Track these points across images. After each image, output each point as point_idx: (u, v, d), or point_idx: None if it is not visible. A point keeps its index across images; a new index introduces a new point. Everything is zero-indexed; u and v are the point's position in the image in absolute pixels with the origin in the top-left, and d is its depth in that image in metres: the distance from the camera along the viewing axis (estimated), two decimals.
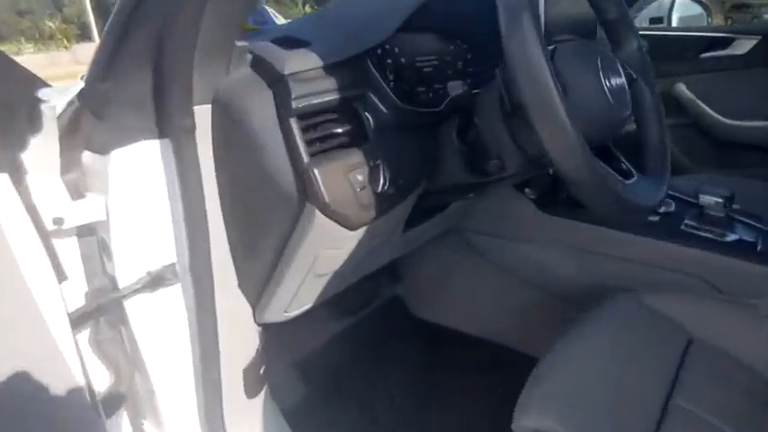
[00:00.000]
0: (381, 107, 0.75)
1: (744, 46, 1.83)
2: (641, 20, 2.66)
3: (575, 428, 0.69)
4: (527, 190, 1.18)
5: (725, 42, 1.87)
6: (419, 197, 0.86)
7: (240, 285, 0.76)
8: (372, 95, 0.74)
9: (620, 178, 0.70)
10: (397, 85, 0.77)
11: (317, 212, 0.65)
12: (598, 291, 1.03)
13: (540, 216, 1.16)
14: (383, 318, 1.39)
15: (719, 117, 1.83)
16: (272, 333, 1.11)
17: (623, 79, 0.73)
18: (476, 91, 0.87)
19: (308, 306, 0.84)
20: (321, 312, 1.28)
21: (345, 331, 1.31)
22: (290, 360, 1.21)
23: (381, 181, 0.70)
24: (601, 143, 0.73)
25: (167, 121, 0.66)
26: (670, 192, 1.17)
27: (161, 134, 0.67)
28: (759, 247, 1.00)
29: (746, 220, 1.08)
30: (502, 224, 1.22)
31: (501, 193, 1.18)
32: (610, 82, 0.70)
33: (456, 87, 0.74)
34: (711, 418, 0.77)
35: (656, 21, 2.43)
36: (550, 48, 0.71)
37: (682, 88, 1.91)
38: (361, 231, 0.72)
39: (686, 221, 1.08)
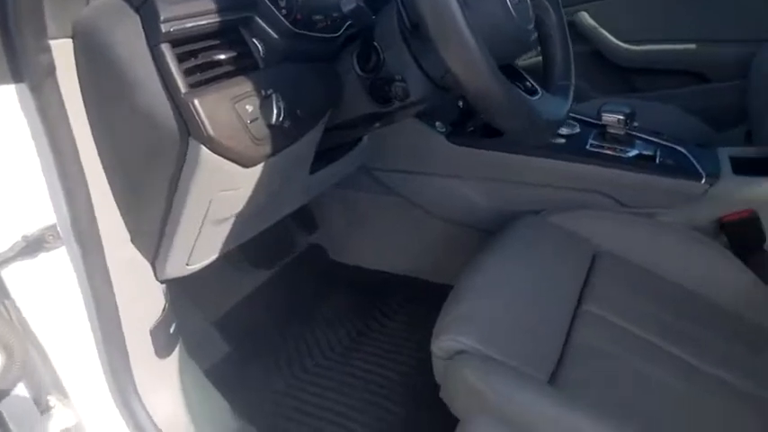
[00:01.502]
0: (272, 33, 0.69)
1: None
2: None
3: (490, 343, 0.71)
4: (437, 123, 1.16)
5: None
6: (324, 134, 0.82)
7: (133, 241, 0.70)
8: (260, 20, 0.68)
9: (527, 95, 0.69)
10: (291, 11, 0.71)
11: (203, 148, 0.60)
12: (510, 216, 1.05)
13: (451, 148, 1.15)
14: (303, 268, 1.37)
15: (620, 43, 1.89)
16: (185, 292, 1.06)
17: None
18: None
19: (213, 257, 0.79)
20: (238, 268, 1.25)
21: (265, 285, 1.28)
22: (210, 319, 1.17)
23: (275, 112, 0.64)
24: (505, 60, 0.71)
25: (20, 62, 0.57)
26: (575, 115, 1.20)
27: (15, 77, 0.58)
28: (658, 160, 1.05)
29: (646, 136, 1.12)
30: (413, 159, 1.20)
31: (410, 128, 1.16)
32: None
33: (349, 2, 0.69)
34: (619, 320, 0.82)
35: None
36: None
37: (584, 16, 1.94)
38: (258, 169, 0.67)
39: (590, 141, 1.11)
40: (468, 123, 1.21)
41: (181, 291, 0.99)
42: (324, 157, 0.91)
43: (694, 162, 1.03)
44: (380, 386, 1.08)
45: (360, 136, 1.02)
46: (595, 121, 1.14)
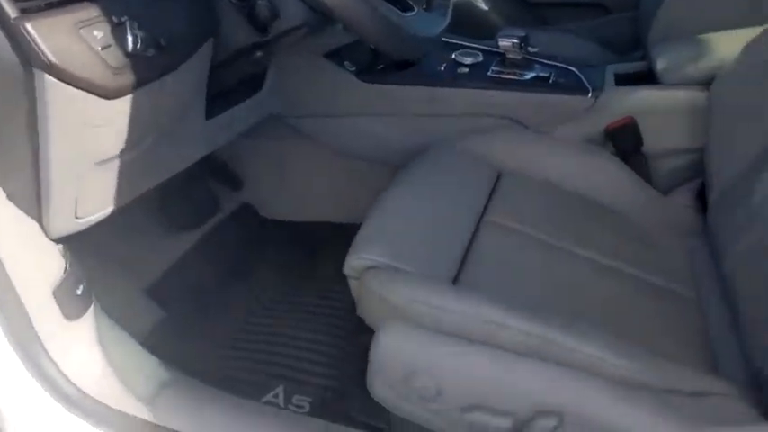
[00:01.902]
0: None
1: None
2: None
3: (395, 255, 0.74)
4: (346, 63, 1.19)
5: None
6: (212, 73, 0.81)
7: (10, 197, 0.64)
8: None
9: (400, 12, 0.72)
10: None
11: (48, 77, 0.56)
12: (423, 148, 1.10)
13: (362, 86, 1.17)
14: (233, 228, 1.36)
15: None
16: (112, 259, 1.04)
17: None
18: None
19: (107, 208, 0.75)
20: (166, 233, 1.24)
21: (196, 248, 1.26)
22: (141, 287, 1.13)
23: (130, 39, 0.61)
24: None
25: None
26: (478, 45, 1.25)
27: None
28: (551, 80, 1.12)
29: (542, 60, 1.19)
30: (325, 102, 1.22)
31: (319, 69, 1.17)
32: None
33: None
34: (521, 227, 0.87)
35: None
36: None
37: None
38: (126, 102, 0.64)
39: (492, 68, 1.17)
40: (379, 61, 1.25)
41: (107, 258, 0.99)
42: (221, 101, 0.89)
43: (583, 79, 1.11)
44: (325, 325, 1.11)
45: (249, 72, 0.99)
46: (496, 50, 1.19)
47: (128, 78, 0.63)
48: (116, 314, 0.85)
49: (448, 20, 0.83)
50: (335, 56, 1.19)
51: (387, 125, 1.21)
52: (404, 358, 0.65)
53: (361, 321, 0.77)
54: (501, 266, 0.80)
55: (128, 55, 0.62)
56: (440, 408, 0.64)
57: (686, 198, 1.01)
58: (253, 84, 1.06)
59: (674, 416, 0.56)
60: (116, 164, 0.71)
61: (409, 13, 0.77)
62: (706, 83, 0.97)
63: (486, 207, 0.91)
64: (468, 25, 2.06)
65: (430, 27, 0.77)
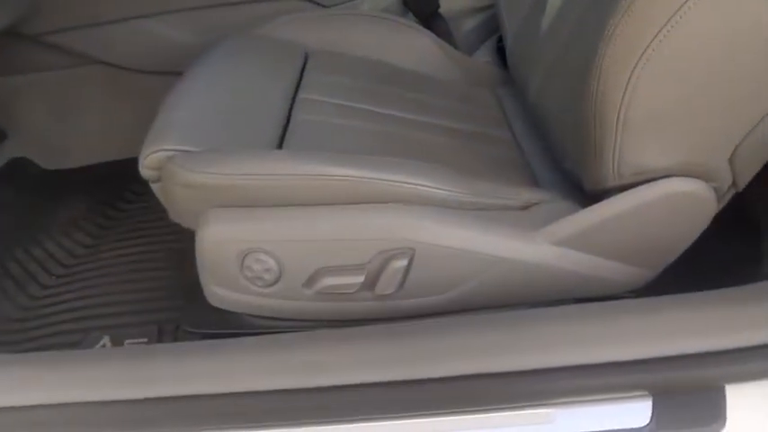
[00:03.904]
0: None
1: None
2: None
3: (200, 139, 0.64)
4: None
5: None
6: None
7: None
8: None
9: None
10: None
11: None
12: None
13: None
14: (9, 185, 1.12)
15: None
16: None
17: None
18: None
19: None
20: None
21: None
22: None
23: None
24: None
25: None
26: None
27: None
28: None
29: None
30: (81, 7, 1.02)
31: None
32: None
33: None
34: (336, 100, 0.81)
35: None
36: None
37: None
38: None
39: None
40: None
41: None
42: None
43: None
44: (140, 261, 0.97)
45: None
46: None
47: None
48: None
49: None
50: None
51: (172, 24, 1.05)
52: (235, 242, 0.57)
53: (184, 239, 0.65)
54: (321, 134, 0.73)
55: None
56: (285, 287, 0.58)
57: (487, 54, 1.04)
58: None
59: (507, 228, 0.58)
60: None
61: None
62: None
63: (297, 87, 0.84)
64: None
65: None
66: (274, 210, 0.57)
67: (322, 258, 0.56)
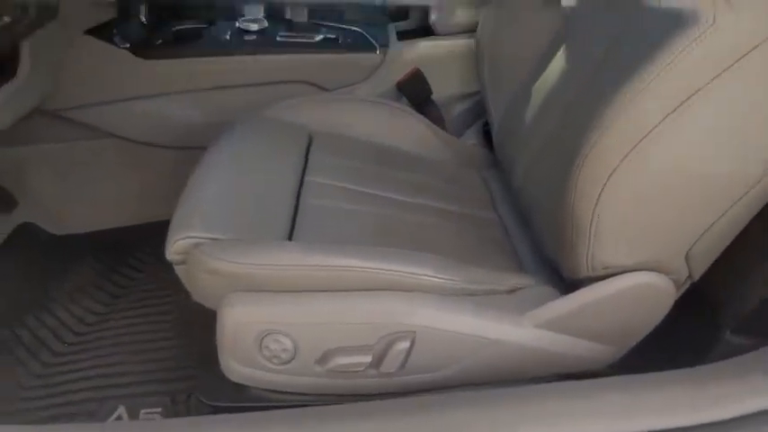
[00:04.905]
0: None
1: None
2: None
3: (220, 227, 0.71)
4: (116, 39, 1.06)
5: None
6: None
7: None
8: None
9: None
10: None
11: None
12: (223, 122, 1.05)
13: (142, 64, 1.07)
14: (16, 253, 1.15)
15: None
16: None
17: None
18: None
19: None
20: None
21: None
22: None
23: None
24: None
25: None
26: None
27: None
28: (340, 41, 1.16)
29: (328, 23, 1.21)
30: (103, 86, 1.09)
31: (86, 50, 1.03)
32: None
33: None
34: (340, 182, 0.89)
35: None
36: None
37: None
38: None
39: (280, 33, 1.15)
40: (157, 35, 1.14)
41: None
42: None
43: (369, 38, 1.16)
44: (150, 332, 1.01)
45: None
46: (279, 16, 1.18)
47: None
48: None
49: None
50: (100, 32, 1.05)
51: (181, 104, 1.13)
52: (254, 323, 0.63)
53: (193, 311, 0.71)
54: (328, 219, 0.80)
55: None
56: (299, 365, 0.64)
57: (474, 137, 1.14)
58: (2, 71, 0.88)
59: (495, 312, 0.65)
60: None
61: None
62: (473, 30, 1.09)
63: (304, 169, 0.92)
64: None
65: None
66: (290, 295, 0.63)
67: (333, 340, 0.63)
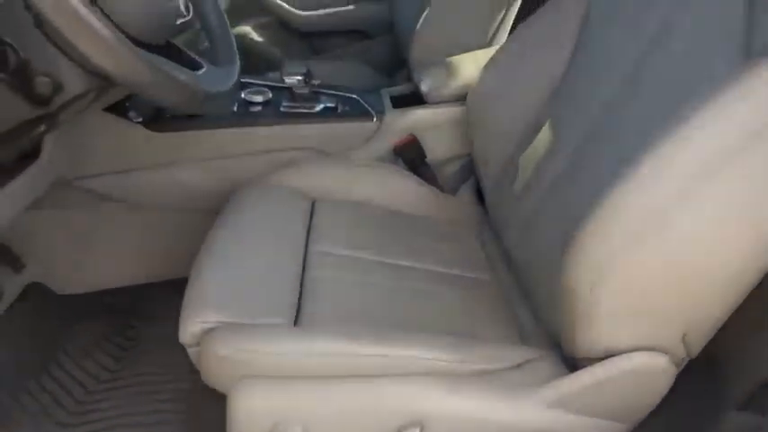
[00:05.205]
0: None
1: None
2: None
3: (230, 310, 0.73)
4: (131, 114, 1.14)
5: None
6: None
7: None
8: None
9: (190, 71, 0.73)
10: None
11: None
12: (232, 190, 1.10)
13: (154, 137, 1.14)
14: (26, 311, 1.19)
15: (294, 9, 2.06)
16: None
17: None
18: None
19: None
20: None
21: None
22: None
23: None
24: (157, 40, 0.73)
25: None
26: (266, 83, 1.30)
27: None
28: (339, 109, 1.23)
29: (327, 91, 1.29)
30: (117, 157, 1.15)
31: (101, 125, 1.10)
32: None
33: None
34: (343, 251, 0.94)
35: None
36: None
37: None
38: None
39: (283, 104, 1.23)
40: (167, 111, 1.21)
41: None
42: None
43: (365, 105, 1.24)
44: (158, 394, 1.05)
45: (30, 146, 0.90)
46: (283, 85, 1.26)
47: None
48: None
49: (237, 72, 0.87)
50: (117, 108, 1.12)
51: (190, 172, 1.19)
52: (266, 412, 0.65)
53: (203, 390, 0.74)
54: (333, 293, 0.83)
55: None
56: None
57: (468, 195, 1.20)
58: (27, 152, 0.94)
59: (503, 391, 0.67)
60: None
61: (200, 71, 0.78)
62: (463, 98, 1.17)
63: (308, 238, 0.96)
64: (246, 58, 2.10)
65: (221, 82, 0.80)
66: (302, 383, 0.66)
67: (344, 427, 0.65)
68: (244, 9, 2.07)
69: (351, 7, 2.05)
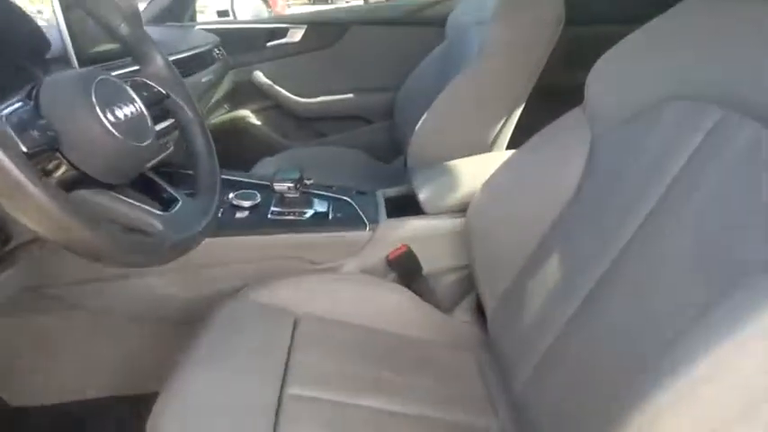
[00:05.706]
0: None
1: (296, 34, 2.07)
2: (212, 12, 2.75)
3: None
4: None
5: (283, 32, 2.08)
6: None
7: None
8: None
9: (157, 212, 0.67)
10: None
11: None
12: (210, 301, 1.03)
13: None
14: None
15: (294, 96, 2.05)
16: None
17: (134, 106, 0.69)
18: None
19: None
20: None
21: None
22: None
23: None
24: (128, 178, 0.68)
25: None
26: (254, 181, 1.24)
27: None
28: (331, 216, 1.16)
29: (318, 192, 1.22)
30: (88, 266, 1.07)
31: None
32: (112, 115, 0.65)
33: None
34: (323, 393, 0.84)
35: (222, 14, 2.54)
36: (32, 86, 0.62)
37: (259, 75, 2.05)
38: None
39: (272, 209, 1.16)
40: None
41: None
42: None
43: (359, 211, 1.16)
44: None
45: None
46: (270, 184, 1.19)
47: None
48: None
49: (216, 202, 0.80)
50: None
51: (166, 282, 1.11)
52: None
53: None
54: None
55: None
56: None
57: (465, 314, 1.11)
58: None
59: None
60: None
61: (172, 209, 0.71)
62: (463, 209, 1.10)
63: (285, 370, 0.87)
64: (244, 141, 2.09)
65: (192, 222, 0.73)
66: None
67: None
68: (244, 94, 2.06)
69: (350, 96, 2.04)
